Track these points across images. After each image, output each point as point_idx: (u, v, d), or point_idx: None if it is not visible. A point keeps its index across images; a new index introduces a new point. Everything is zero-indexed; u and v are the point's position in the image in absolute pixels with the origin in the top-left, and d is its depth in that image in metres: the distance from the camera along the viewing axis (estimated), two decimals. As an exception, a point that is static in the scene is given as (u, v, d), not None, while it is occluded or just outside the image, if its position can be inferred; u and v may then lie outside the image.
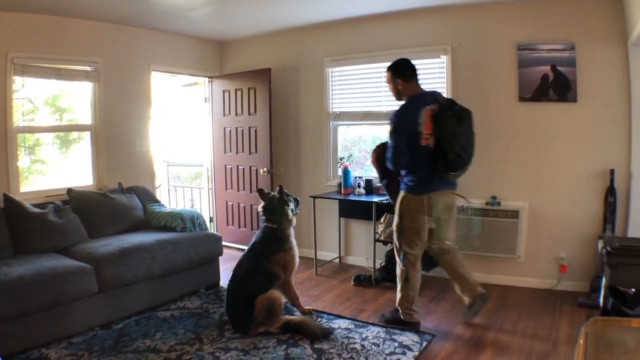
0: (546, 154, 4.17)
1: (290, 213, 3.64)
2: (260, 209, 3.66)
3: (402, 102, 3.35)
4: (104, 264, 3.39)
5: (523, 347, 3.09)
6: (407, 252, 3.37)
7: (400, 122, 3.23)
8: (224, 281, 4.21)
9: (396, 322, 3.47)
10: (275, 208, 3.59)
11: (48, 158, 5.04)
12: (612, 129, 3.92)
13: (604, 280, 2.90)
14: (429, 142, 3.16)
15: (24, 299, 2.91)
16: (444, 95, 3.81)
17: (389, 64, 4.27)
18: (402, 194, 3.36)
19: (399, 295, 3.46)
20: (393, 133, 3.26)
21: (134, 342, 3.19)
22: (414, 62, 4.31)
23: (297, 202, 3.76)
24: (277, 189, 3.68)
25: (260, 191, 3.73)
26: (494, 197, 4.33)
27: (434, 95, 3.32)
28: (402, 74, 3.35)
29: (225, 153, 5.88)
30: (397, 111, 3.28)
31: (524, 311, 3.73)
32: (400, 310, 3.47)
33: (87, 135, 4.74)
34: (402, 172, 3.36)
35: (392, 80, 3.38)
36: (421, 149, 3.17)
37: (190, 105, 7.15)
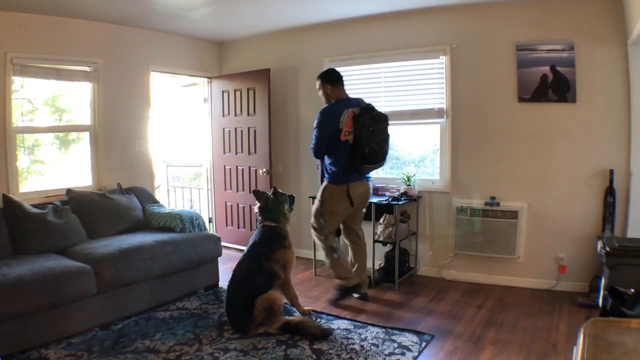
0: (545, 154, 4.17)
1: (286, 211, 3.68)
2: (257, 209, 3.68)
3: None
4: (103, 265, 3.39)
5: (522, 348, 3.09)
6: (324, 229, 3.93)
7: (324, 119, 3.80)
8: (223, 282, 4.21)
9: (343, 294, 3.88)
10: (272, 207, 3.62)
11: (47, 158, 5.04)
12: (611, 129, 3.92)
13: (603, 280, 2.90)
14: (349, 138, 3.77)
15: (23, 299, 2.91)
16: (445, 96, 4.04)
17: (388, 64, 4.53)
18: (325, 183, 3.95)
19: (333, 269, 3.97)
20: (317, 127, 3.83)
21: (133, 342, 3.19)
22: (412, 62, 4.51)
23: (292, 199, 3.79)
24: (272, 190, 3.72)
25: (255, 192, 3.75)
26: (493, 198, 4.33)
27: (358, 101, 3.94)
28: (330, 80, 3.93)
29: (224, 153, 5.88)
30: (323, 110, 3.86)
31: (523, 311, 3.73)
32: (340, 281, 3.94)
33: (86, 135, 4.73)
34: (327, 165, 3.92)
35: (322, 86, 3.95)
36: (341, 143, 3.77)
37: (190, 106, 7.15)
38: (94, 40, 4.60)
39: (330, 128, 3.77)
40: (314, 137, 3.86)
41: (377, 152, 3.76)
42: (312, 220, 3.99)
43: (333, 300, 3.93)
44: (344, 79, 5.14)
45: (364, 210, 4.19)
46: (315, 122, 3.86)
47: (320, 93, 4.01)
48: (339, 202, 3.87)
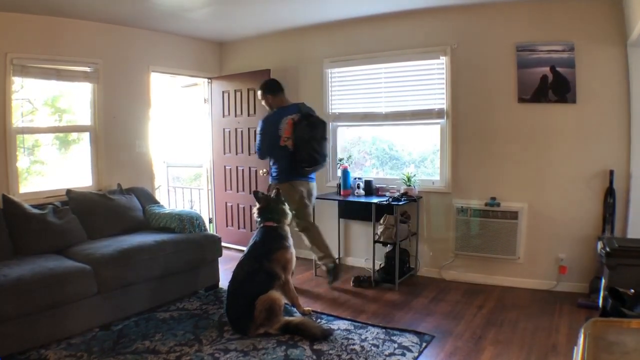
0: (545, 154, 4.17)
1: (288, 211, 3.72)
2: (256, 210, 3.69)
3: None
4: (103, 265, 3.39)
5: (522, 348, 3.09)
6: (301, 223, 4.26)
7: (265, 127, 4.17)
8: (224, 282, 4.21)
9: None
10: (274, 208, 3.65)
11: (47, 159, 5.03)
12: (611, 129, 3.92)
13: (603, 281, 2.90)
14: (287, 144, 4.12)
15: (23, 300, 2.91)
16: (445, 96, 4.04)
17: (388, 65, 4.59)
18: (273, 184, 4.28)
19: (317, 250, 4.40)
20: (260, 134, 4.21)
21: (133, 343, 3.19)
22: (412, 63, 4.60)
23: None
24: (274, 191, 3.76)
25: (255, 193, 3.76)
26: (493, 198, 4.33)
27: (298, 107, 4.25)
28: (270, 90, 4.28)
29: (224, 154, 5.88)
30: (264, 118, 4.22)
31: (523, 312, 3.73)
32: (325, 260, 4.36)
33: (86, 136, 4.74)
34: (270, 166, 4.30)
35: (264, 96, 4.30)
36: (281, 148, 4.13)
37: (190, 106, 7.15)
38: (94, 40, 4.60)
39: (271, 135, 4.14)
40: (257, 142, 4.25)
41: (315, 156, 4.11)
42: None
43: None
44: (345, 80, 5.20)
45: (311, 205, 4.44)
46: (258, 129, 4.24)
47: (263, 103, 4.37)
48: (294, 195, 4.16)
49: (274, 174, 4.27)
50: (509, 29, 4.20)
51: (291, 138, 4.10)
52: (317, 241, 4.36)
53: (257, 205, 3.70)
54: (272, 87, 4.30)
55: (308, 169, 4.18)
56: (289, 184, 4.17)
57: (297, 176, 4.19)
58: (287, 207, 3.74)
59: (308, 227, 4.35)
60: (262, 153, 4.28)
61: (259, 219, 3.68)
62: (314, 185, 4.39)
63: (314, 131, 4.11)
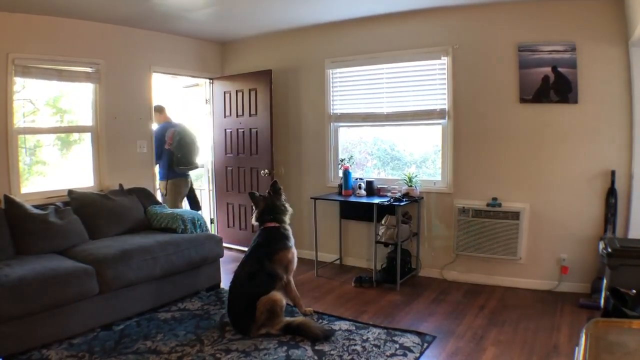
0: (547, 155, 4.17)
1: (289, 207, 3.73)
2: (255, 214, 3.68)
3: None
4: (105, 265, 3.39)
5: (524, 348, 3.09)
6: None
7: (157, 136, 5.35)
8: (225, 283, 4.21)
9: None
10: (277, 206, 3.65)
11: (49, 159, 5.04)
12: (613, 130, 3.92)
13: (604, 281, 2.89)
14: (170, 147, 5.39)
15: (24, 300, 2.91)
16: (446, 96, 3.99)
17: (390, 65, 4.70)
18: (158, 180, 5.46)
19: None
20: (153, 142, 5.30)
21: (135, 343, 3.19)
22: (414, 63, 4.88)
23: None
24: (271, 186, 3.74)
25: (251, 195, 3.75)
26: (494, 199, 4.33)
27: (178, 124, 5.59)
28: (159, 111, 5.49)
29: (226, 154, 5.88)
30: (155, 130, 5.38)
31: (524, 312, 3.72)
32: None
33: (87, 136, 4.74)
34: (159, 166, 5.48)
35: (155, 115, 5.41)
36: (165, 150, 5.40)
37: (191, 107, 7.14)
38: (95, 41, 4.61)
39: (160, 141, 5.37)
40: (154, 148, 5.34)
41: (182, 159, 5.40)
42: (165, 200, 5.46)
43: None
44: (347, 80, 5.26)
45: (193, 195, 5.76)
46: (153, 139, 5.32)
47: (154, 120, 5.38)
48: (173, 189, 5.46)
49: (162, 172, 5.46)
50: (511, 29, 4.20)
51: (172, 144, 5.37)
52: None
53: (256, 209, 3.68)
54: (160, 109, 5.52)
55: (182, 168, 5.45)
56: (170, 182, 5.43)
57: (175, 174, 5.44)
58: (287, 201, 3.74)
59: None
60: (157, 155, 5.40)
61: (258, 222, 3.66)
62: (189, 181, 5.64)
63: (185, 139, 5.46)
